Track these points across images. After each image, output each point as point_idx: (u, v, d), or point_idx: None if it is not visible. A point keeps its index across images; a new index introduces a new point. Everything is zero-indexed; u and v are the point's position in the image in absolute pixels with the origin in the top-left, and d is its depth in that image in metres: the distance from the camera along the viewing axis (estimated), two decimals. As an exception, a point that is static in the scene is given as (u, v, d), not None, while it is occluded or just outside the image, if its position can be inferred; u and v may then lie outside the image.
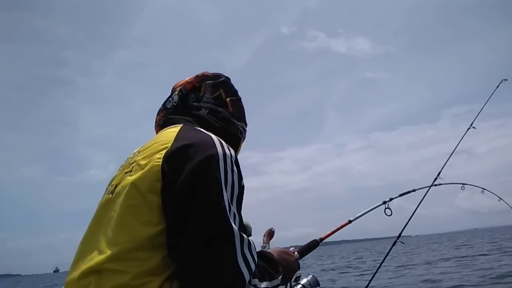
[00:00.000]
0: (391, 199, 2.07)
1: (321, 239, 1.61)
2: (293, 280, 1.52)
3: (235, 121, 1.29)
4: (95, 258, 0.91)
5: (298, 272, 1.40)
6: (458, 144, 2.88)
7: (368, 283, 2.64)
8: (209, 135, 1.02)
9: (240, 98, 1.35)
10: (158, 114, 1.30)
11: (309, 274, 1.53)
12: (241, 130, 1.31)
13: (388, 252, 2.61)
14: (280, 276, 1.05)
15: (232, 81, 1.37)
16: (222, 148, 0.98)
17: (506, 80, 3.22)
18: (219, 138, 1.02)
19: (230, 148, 1.02)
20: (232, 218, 0.91)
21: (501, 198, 3.05)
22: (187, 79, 1.31)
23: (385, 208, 2.03)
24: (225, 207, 0.90)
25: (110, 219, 0.95)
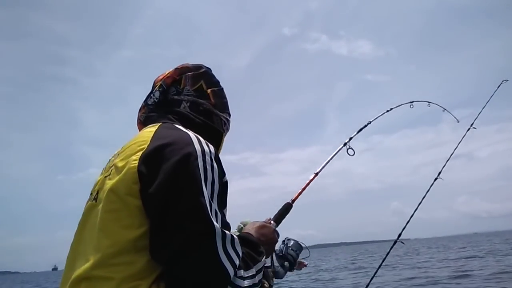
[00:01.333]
0: (350, 139, 2.08)
1: (293, 200, 1.60)
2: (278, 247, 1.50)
3: (218, 112, 1.26)
4: (83, 266, 0.90)
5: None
6: (458, 144, 2.89)
7: (368, 283, 2.64)
8: (187, 133, 1.01)
9: (222, 88, 1.32)
10: (140, 110, 1.27)
11: (290, 240, 1.50)
12: (224, 122, 1.28)
13: (388, 252, 2.61)
14: (263, 257, 1.04)
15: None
16: (200, 145, 0.96)
17: (507, 80, 3.23)
18: (197, 135, 1.01)
19: (209, 145, 1.00)
20: (214, 216, 0.90)
21: (445, 109, 3.05)
22: (167, 72, 1.27)
23: (347, 149, 2.03)
24: (205, 205, 0.88)
25: (94, 226, 0.95)
